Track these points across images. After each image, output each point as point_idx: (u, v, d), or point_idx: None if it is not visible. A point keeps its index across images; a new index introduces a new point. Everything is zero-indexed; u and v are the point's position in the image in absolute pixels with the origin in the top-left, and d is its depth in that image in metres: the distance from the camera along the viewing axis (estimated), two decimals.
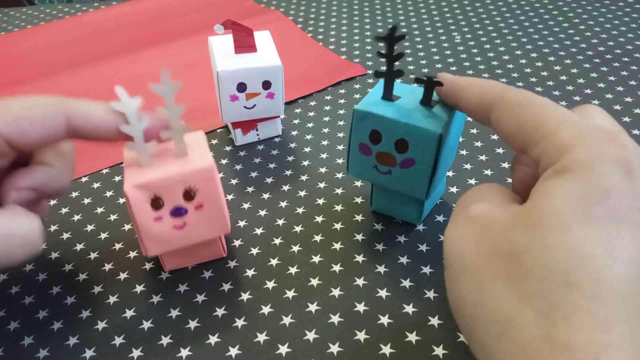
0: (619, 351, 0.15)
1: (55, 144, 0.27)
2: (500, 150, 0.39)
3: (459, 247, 0.20)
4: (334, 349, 0.26)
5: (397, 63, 0.27)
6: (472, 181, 0.36)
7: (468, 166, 0.37)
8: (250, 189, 0.37)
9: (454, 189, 0.35)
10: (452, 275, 0.20)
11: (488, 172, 0.37)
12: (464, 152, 0.39)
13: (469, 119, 0.41)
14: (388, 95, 0.28)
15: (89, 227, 0.34)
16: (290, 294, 0.29)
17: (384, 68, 0.29)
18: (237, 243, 0.32)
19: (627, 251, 0.16)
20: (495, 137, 0.40)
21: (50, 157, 0.27)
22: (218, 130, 0.43)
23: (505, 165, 0.37)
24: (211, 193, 0.27)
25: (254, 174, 0.38)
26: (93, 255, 0.32)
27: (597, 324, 0.15)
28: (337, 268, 0.30)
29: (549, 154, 0.19)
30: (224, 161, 0.40)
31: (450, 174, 0.36)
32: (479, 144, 0.39)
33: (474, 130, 0.41)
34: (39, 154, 0.27)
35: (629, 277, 0.16)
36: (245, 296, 0.29)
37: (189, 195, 0.27)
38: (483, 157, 0.38)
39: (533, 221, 0.18)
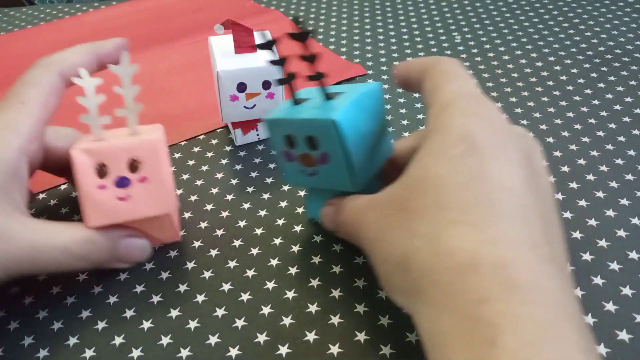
0: (492, 246, 0.18)
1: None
2: None
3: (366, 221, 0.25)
4: (334, 349, 0.26)
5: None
6: None
7: None
8: (250, 189, 0.37)
9: None
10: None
11: None
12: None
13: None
14: (295, 99, 0.29)
15: None
16: (290, 294, 0.29)
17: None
18: (237, 243, 0.32)
19: (486, 172, 0.20)
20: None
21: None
22: (218, 130, 0.43)
23: None
24: (156, 167, 0.28)
25: (254, 174, 0.38)
26: None
27: (473, 231, 0.19)
28: (337, 269, 0.30)
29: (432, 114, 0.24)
30: (224, 161, 0.40)
31: None
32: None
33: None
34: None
35: (501, 190, 0.19)
36: (245, 296, 0.29)
37: (133, 166, 0.28)
38: None
39: (414, 185, 0.22)
